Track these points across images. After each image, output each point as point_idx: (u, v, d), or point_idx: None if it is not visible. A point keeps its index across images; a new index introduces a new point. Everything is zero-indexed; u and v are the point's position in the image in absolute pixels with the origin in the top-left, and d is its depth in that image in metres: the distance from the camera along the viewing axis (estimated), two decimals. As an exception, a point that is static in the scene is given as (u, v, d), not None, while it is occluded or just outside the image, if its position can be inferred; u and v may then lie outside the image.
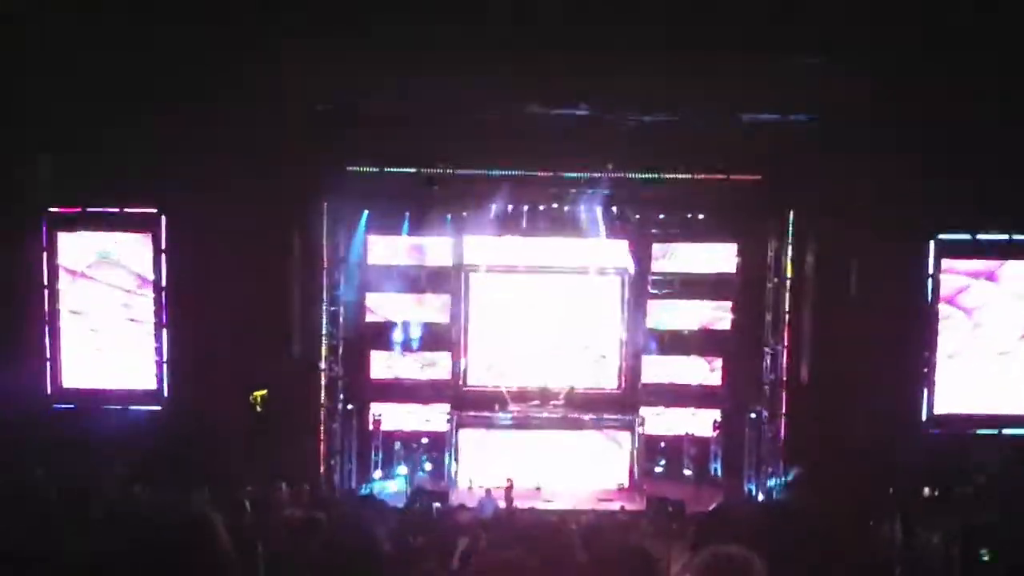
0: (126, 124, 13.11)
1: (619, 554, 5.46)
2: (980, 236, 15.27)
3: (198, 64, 12.43)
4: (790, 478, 15.18)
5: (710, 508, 11.20)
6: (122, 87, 12.76)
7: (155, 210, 14.93)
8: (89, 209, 14.96)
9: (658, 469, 17.19)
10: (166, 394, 15.17)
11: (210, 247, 14.37)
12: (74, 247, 14.99)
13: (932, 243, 15.19)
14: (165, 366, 15.13)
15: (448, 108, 13.82)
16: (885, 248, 14.38)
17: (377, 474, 16.56)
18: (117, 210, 14.97)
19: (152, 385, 15.18)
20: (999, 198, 14.06)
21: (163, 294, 15.00)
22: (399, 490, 15.85)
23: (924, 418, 15.45)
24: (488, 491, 15.13)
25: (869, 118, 13.21)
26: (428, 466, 16.87)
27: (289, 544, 6.70)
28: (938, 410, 15.46)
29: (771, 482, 15.97)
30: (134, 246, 14.98)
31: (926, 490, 12.73)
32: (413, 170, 15.08)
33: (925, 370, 15.36)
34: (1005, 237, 15.26)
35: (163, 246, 14.93)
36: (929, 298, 15.29)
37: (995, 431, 15.45)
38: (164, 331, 15.05)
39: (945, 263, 15.25)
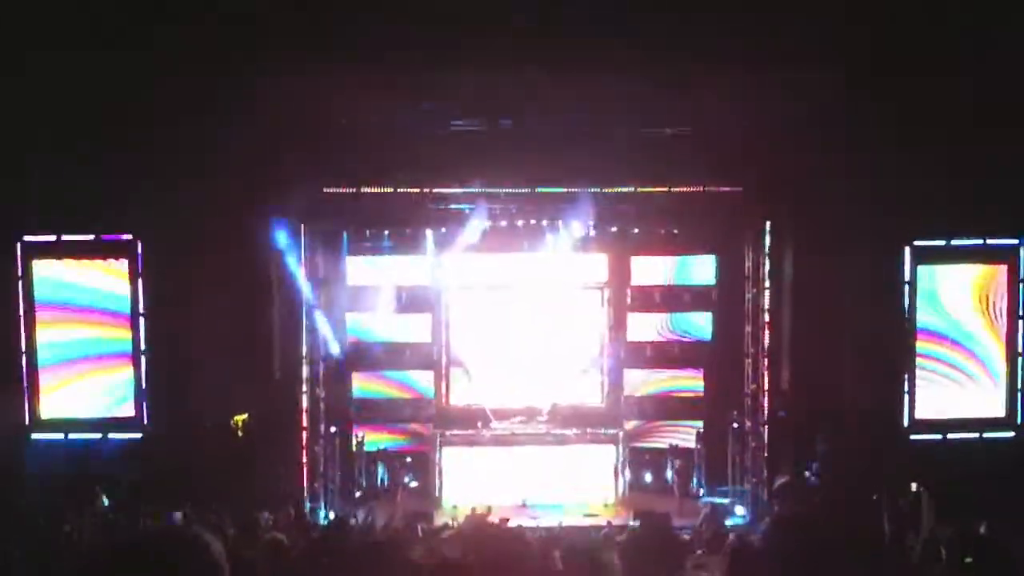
0: (101, 150, 13.05)
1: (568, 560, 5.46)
2: (955, 241, 15.45)
3: (172, 89, 12.40)
4: (775, 487, 15.21)
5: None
6: (97, 113, 12.71)
7: (130, 236, 14.84)
8: (64, 237, 14.85)
9: (643, 482, 17.14)
10: (145, 421, 15.04)
11: (187, 272, 14.30)
12: (50, 275, 14.87)
13: (908, 249, 15.35)
14: (144, 393, 15.01)
15: (424, 126, 13.86)
16: (862, 255, 14.52)
17: (358, 495, 16.42)
18: (92, 237, 14.87)
19: (131, 412, 15.05)
20: (974, 203, 14.21)
21: (140, 320, 14.90)
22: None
23: (905, 423, 15.57)
24: (473, 510, 15.05)
25: (844, 127, 13.35)
26: (413, 485, 16.75)
27: (271, 568, 6.65)
28: (918, 415, 15.58)
29: (756, 491, 15.98)
30: (111, 273, 14.87)
31: (913, 486, 12.79)
32: (390, 190, 15.09)
33: (905, 375, 15.49)
34: (980, 242, 15.45)
35: (139, 272, 14.83)
36: (906, 303, 15.43)
37: (976, 434, 15.58)
38: (142, 357, 14.94)
39: (921, 269, 15.41)
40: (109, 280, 14.87)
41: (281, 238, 14.96)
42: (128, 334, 14.87)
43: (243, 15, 11.10)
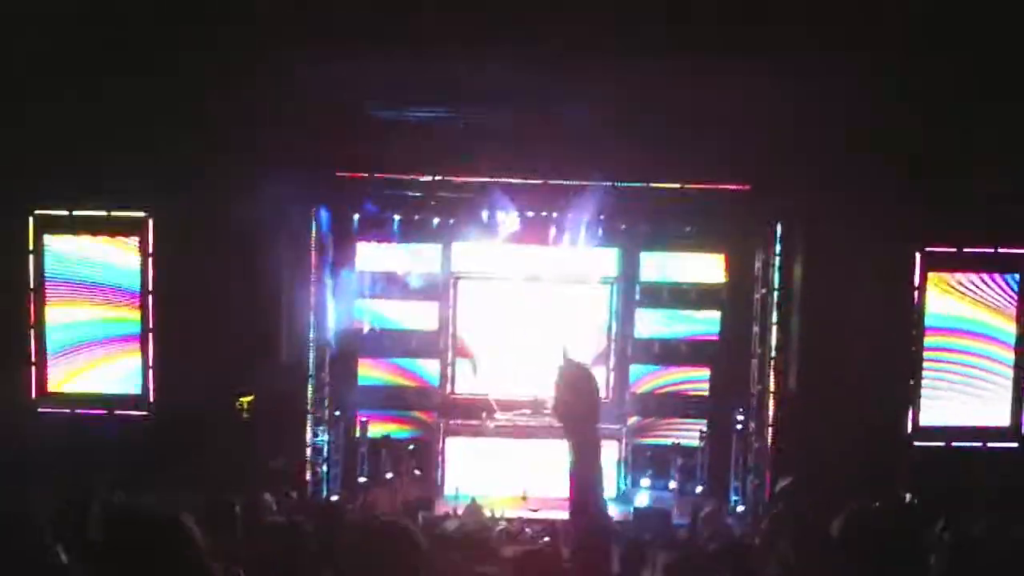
0: (114, 125, 13.10)
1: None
2: (966, 249, 15.41)
3: (185, 66, 12.44)
4: (778, 489, 15.19)
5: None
6: (110, 87, 12.76)
7: (143, 214, 14.92)
8: (76, 212, 14.93)
9: (646, 479, 17.12)
10: (151, 399, 15.12)
11: (198, 251, 14.34)
12: (61, 250, 14.95)
13: (918, 255, 15.33)
14: (151, 371, 15.09)
15: (439, 114, 13.87)
16: (872, 259, 14.49)
17: (362, 480, 16.44)
18: (104, 213, 14.94)
19: (138, 390, 15.13)
20: (986, 211, 14.18)
21: (150, 298, 14.97)
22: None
23: (908, 430, 15.56)
24: (473, 500, 15.10)
25: (857, 129, 13.32)
26: (416, 472, 16.75)
27: (274, 551, 6.68)
28: (923, 422, 15.57)
29: (758, 493, 15.97)
30: (121, 249, 14.96)
31: (907, 496, 12.86)
32: (405, 176, 15.10)
33: (911, 381, 15.48)
34: (991, 250, 15.41)
35: (150, 250, 14.91)
36: (915, 309, 15.40)
37: (979, 444, 15.56)
38: (150, 336, 15.01)
39: (931, 275, 15.39)
40: (120, 258, 14.97)
41: (292, 221, 14.99)
42: (137, 311, 14.95)
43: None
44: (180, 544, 2.55)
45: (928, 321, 15.43)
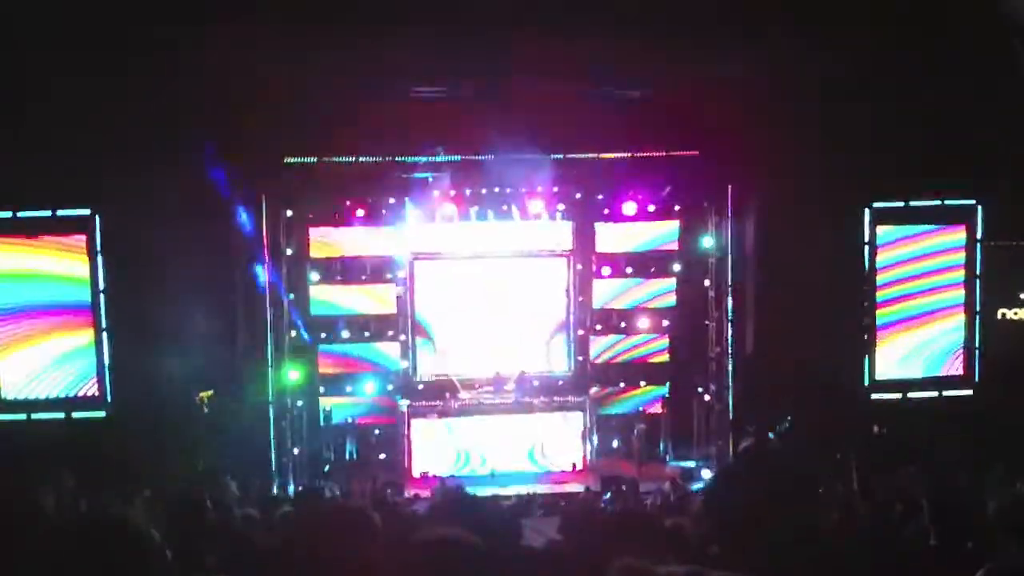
0: (60, 123, 12.80)
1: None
2: (913, 203, 15.65)
3: (131, 59, 12.19)
4: (740, 448, 15.37)
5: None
6: (55, 85, 12.47)
7: (88, 212, 14.61)
8: (20, 214, 14.59)
9: (611, 448, 17.26)
10: (109, 399, 14.89)
11: (148, 247, 14.08)
12: (8, 251, 14.62)
13: (867, 211, 15.53)
14: (107, 371, 14.85)
15: (385, 93, 13.74)
16: (823, 218, 14.64)
17: (327, 468, 16.36)
18: (49, 213, 14.62)
19: (94, 391, 14.89)
20: (932, 165, 14.37)
21: (101, 297, 14.71)
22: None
23: (865, 383, 15.82)
24: (442, 480, 15.12)
25: (803, 91, 13.42)
26: (382, 457, 16.71)
27: (239, 544, 6.61)
28: (879, 374, 15.84)
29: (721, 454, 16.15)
30: (70, 249, 14.67)
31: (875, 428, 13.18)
32: (352, 159, 14.93)
33: (865, 336, 15.72)
34: (938, 203, 15.67)
35: (98, 248, 14.63)
36: (866, 265, 15.62)
37: (935, 394, 15.87)
38: (104, 335, 14.76)
39: (880, 229, 15.61)
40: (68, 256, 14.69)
41: (243, 210, 14.78)
42: (90, 310, 14.68)
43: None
44: (132, 545, 2.51)
45: (880, 275, 15.67)
